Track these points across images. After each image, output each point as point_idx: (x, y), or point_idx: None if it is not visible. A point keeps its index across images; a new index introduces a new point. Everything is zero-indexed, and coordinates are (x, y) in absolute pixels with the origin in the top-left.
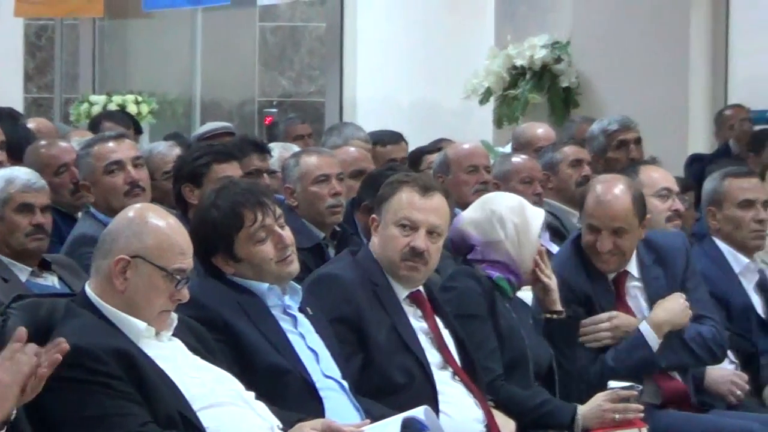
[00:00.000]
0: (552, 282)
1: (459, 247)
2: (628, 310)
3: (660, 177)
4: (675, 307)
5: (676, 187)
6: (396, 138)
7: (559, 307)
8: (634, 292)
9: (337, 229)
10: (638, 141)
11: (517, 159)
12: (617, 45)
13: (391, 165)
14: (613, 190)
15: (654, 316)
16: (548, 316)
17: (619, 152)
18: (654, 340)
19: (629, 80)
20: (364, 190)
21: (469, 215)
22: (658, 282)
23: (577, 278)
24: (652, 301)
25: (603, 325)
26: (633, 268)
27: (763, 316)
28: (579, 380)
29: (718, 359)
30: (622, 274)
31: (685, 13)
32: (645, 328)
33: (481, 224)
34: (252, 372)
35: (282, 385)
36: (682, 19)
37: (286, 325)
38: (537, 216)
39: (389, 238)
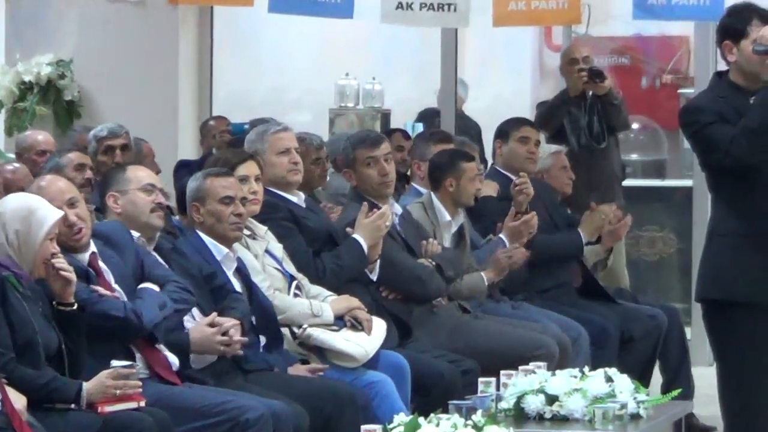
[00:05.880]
0: (72, 275)
1: None
2: (109, 287)
3: (145, 174)
4: None
5: (160, 184)
6: None
7: (71, 300)
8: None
9: None
10: (125, 147)
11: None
12: (115, 63)
13: None
14: None
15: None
16: (59, 307)
17: (106, 156)
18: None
19: (126, 94)
20: None
21: None
22: (115, 260)
23: None
24: (115, 276)
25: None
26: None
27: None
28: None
29: (191, 302)
30: (92, 255)
31: (174, 34)
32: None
33: None
34: None
35: None
36: (172, 39)
37: None
38: (45, 221)
39: None
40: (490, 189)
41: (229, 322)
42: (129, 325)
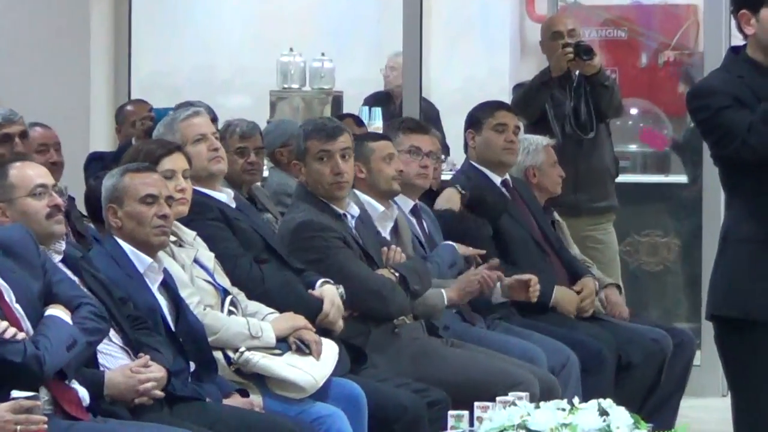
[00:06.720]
0: None
1: None
2: (9, 309)
3: (34, 174)
4: None
5: (51, 179)
6: None
7: None
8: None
9: None
10: (24, 134)
11: None
12: (16, 41)
13: None
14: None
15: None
16: None
17: (3, 147)
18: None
19: (29, 74)
20: None
21: None
22: (16, 275)
23: None
24: (16, 294)
25: None
26: None
27: (168, 316)
28: None
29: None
30: None
31: (85, 8)
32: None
33: None
34: None
35: None
36: (83, 9)
37: None
38: None
39: None
40: (453, 200)
41: (152, 374)
42: (27, 372)
